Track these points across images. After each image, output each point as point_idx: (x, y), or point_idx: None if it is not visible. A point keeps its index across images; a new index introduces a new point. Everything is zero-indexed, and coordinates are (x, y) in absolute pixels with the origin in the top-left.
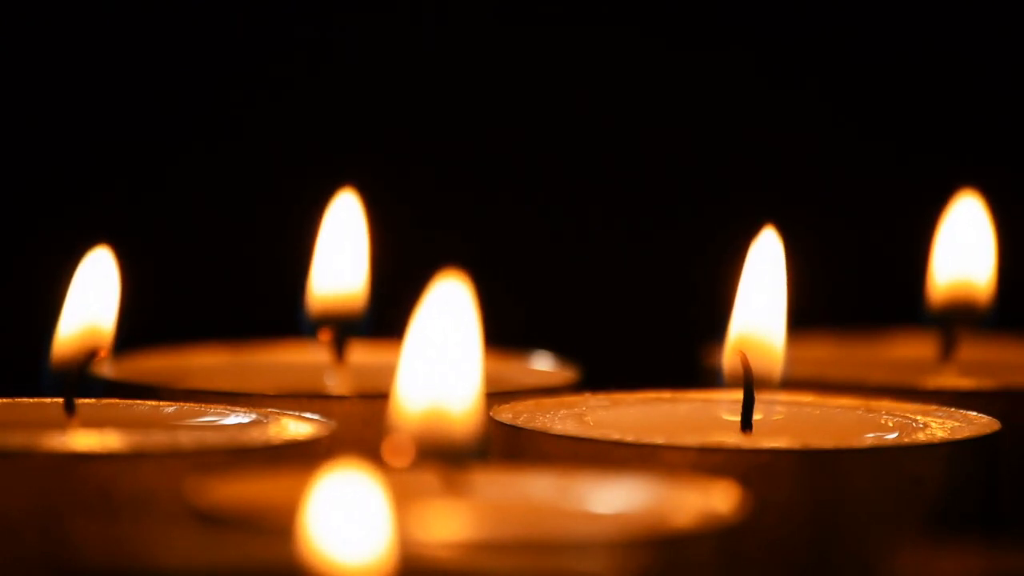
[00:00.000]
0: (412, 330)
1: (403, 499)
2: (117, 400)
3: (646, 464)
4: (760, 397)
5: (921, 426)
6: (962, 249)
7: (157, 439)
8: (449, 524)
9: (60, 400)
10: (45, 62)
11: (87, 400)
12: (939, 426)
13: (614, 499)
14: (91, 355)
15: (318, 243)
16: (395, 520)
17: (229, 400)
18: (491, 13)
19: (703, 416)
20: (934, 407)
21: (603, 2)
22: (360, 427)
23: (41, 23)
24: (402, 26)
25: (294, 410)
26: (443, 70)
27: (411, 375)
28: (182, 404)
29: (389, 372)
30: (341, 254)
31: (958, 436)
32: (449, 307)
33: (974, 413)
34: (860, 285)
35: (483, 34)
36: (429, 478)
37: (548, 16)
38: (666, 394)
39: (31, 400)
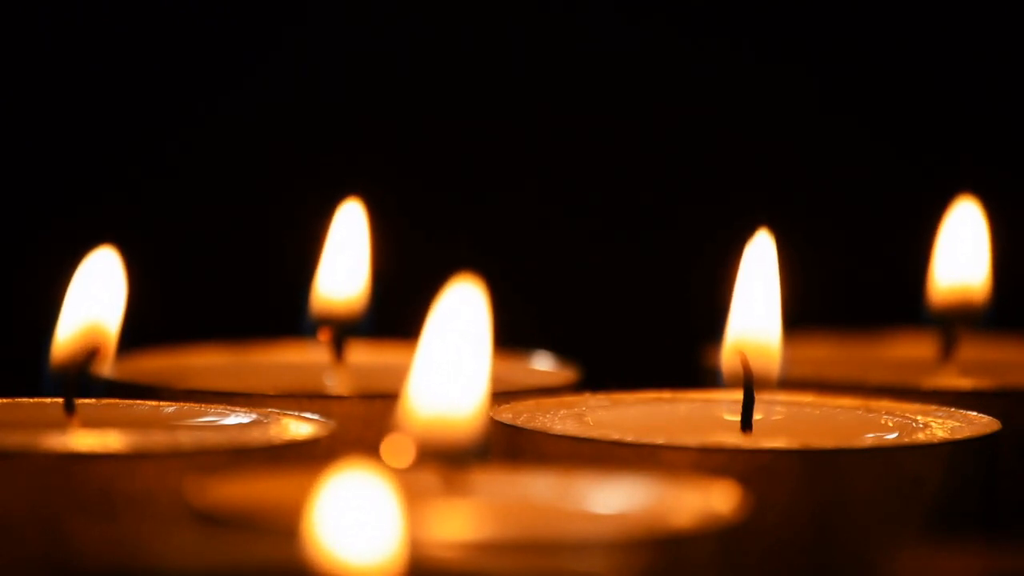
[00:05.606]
0: (426, 333)
1: (403, 499)
2: (117, 400)
3: (646, 464)
4: (760, 397)
5: (921, 426)
6: (961, 250)
7: (157, 439)
8: (449, 524)
9: (60, 400)
10: (50, 62)
11: (87, 400)
12: (939, 426)
13: (614, 499)
14: (92, 355)
15: (323, 246)
16: (403, 520)
17: (229, 400)
18: (491, 16)
19: (703, 416)
20: (934, 407)
21: (601, 3)
22: (360, 427)
23: (45, 26)
24: (406, 33)
25: (294, 410)
26: (444, 76)
27: (422, 377)
28: (182, 404)
29: (389, 372)
30: (345, 257)
31: (958, 436)
32: (464, 312)
33: (974, 413)
34: (860, 285)
35: (484, 37)
36: (429, 478)
37: (546, 17)
38: (666, 394)
39: (31, 400)
